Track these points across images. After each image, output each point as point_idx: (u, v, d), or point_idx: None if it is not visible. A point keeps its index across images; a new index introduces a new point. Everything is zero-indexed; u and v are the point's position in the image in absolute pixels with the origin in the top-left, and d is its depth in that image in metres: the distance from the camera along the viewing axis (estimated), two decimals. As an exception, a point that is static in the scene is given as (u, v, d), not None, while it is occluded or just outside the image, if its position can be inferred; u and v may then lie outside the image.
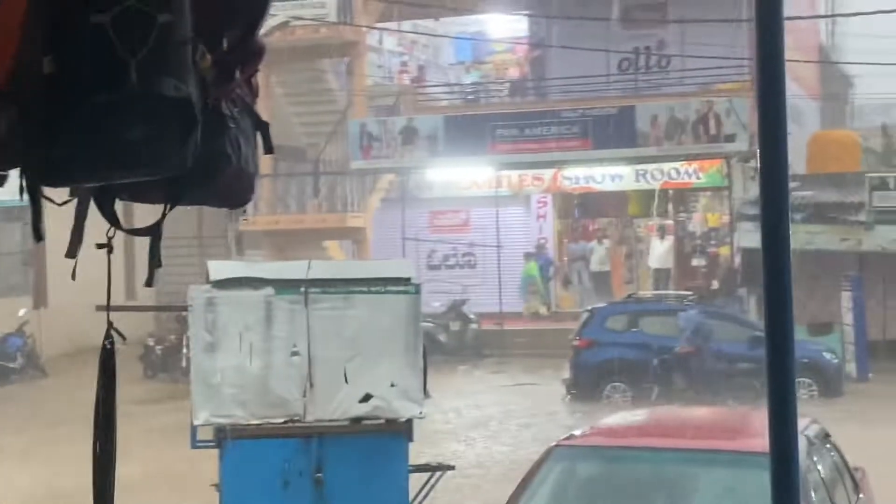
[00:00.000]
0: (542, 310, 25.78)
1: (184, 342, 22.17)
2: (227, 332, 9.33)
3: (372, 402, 9.46)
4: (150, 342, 22.50)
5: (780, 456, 2.69)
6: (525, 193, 27.51)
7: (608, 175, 26.54)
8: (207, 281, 9.53)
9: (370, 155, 24.81)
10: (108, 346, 3.02)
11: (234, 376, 9.28)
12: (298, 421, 9.37)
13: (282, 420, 9.37)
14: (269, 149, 3.07)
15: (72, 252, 3.07)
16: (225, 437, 9.22)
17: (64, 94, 2.55)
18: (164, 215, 2.97)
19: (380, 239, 25.98)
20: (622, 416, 7.91)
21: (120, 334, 3.16)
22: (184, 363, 21.75)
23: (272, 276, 9.61)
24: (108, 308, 3.22)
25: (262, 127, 3.04)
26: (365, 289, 9.55)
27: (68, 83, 2.56)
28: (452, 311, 24.68)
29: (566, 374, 19.32)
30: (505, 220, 25.51)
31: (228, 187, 2.96)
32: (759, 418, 7.56)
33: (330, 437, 9.32)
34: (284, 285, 9.46)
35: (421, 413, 9.59)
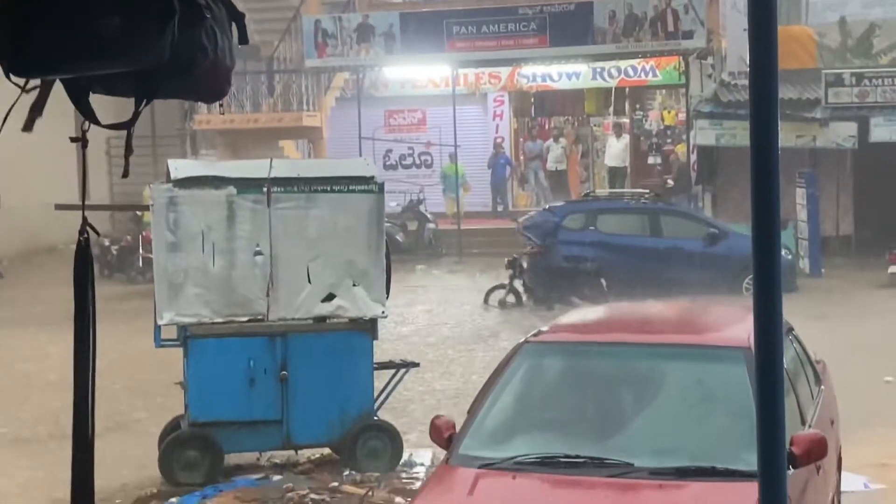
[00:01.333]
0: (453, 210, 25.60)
1: (139, 242, 22.04)
2: (189, 231, 9.28)
3: (335, 301, 9.48)
4: (106, 242, 22.32)
5: (766, 349, 2.72)
6: (482, 92, 27.35)
7: (565, 73, 26.41)
8: (168, 180, 9.42)
9: (325, 53, 24.46)
10: (84, 241, 2.99)
11: (197, 276, 9.25)
12: (262, 320, 9.38)
13: (246, 319, 9.38)
14: (244, 40, 3.00)
15: (28, 127, 2.96)
16: (189, 336, 9.23)
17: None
18: (139, 108, 2.91)
19: (335, 138, 25.78)
20: (587, 312, 7.99)
21: (94, 230, 3.12)
22: (139, 263, 21.65)
23: (234, 175, 9.53)
24: (83, 205, 3.16)
25: (238, 18, 2.96)
26: (327, 188, 9.50)
27: (44, -27, 2.48)
28: (409, 210, 24.66)
29: (524, 272, 19.41)
30: (462, 119, 25.36)
31: (205, 80, 2.90)
32: (721, 312, 7.66)
33: (294, 335, 9.36)
34: (246, 184, 9.39)
35: (384, 312, 9.63)
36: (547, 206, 20.73)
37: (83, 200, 3.21)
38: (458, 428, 5.99)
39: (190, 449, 9.13)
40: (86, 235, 2.95)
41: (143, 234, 21.21)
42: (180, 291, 9.24)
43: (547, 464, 5.52)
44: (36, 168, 23.43)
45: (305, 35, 24.51)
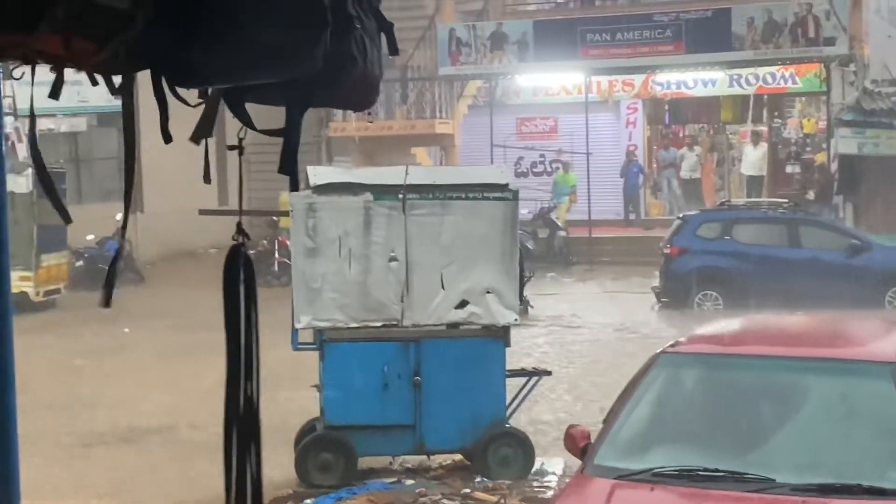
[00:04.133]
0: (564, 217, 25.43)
1: (275, 247, 22.49)
2: (326, 237, 9.43)
3: (468, 308, 9.52)
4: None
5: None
6: (615, 99, 27.15)
7: (700, 80, 26.03)
8: (306, 186, 9.59)
9: (458, 61, 24.60)
10: (238, 245, 3.05)
11: (334, 281, 9.39)
12: (396, 325, 9.48)
13: (380, 324, 9.49)
14: (393, 50, 3.04)
15: (195, 140, 3.05)
16: (325, 340, 9.38)
17: (198, -5, 2.54)
18: (296, 118, 2.97)
19: (467, 146, 25.90)
20: (725, 323, 7.85)
21: (245, 235, 3.20)
22: (275, 267, 22.08)
23: (370, 181, 9.66)
24: (240, 211, 3.25)
25: (387, 28, 3.00)
26: (462, 195, 9.56)
27: (204, -15, 2.55)
28: (540, 218, 24.62)
29: (656, 281, 19.23)
30: (594, 127, 25.22)
31: (354, 89, 2.94)
32: (865, 326, 7.45)
33: (427, 341, 9.43)
34: (383, 191, 9.50)
35: (516, 319, 9.63)
36: (681, 215, 20.45)
37: (241, 206, 3.30)
38: (593, 438, 5.95)
39: (325, 451, 9.28)
40: (241, 239, 3.02)
41: (279, 238, 21.65)
42: (317, 296, 9.39)
43: (685, 476, 5.43)
44: (176, 175, 24.08)
45: (440, 43, 24.70)
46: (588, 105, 24.79)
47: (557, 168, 27.24)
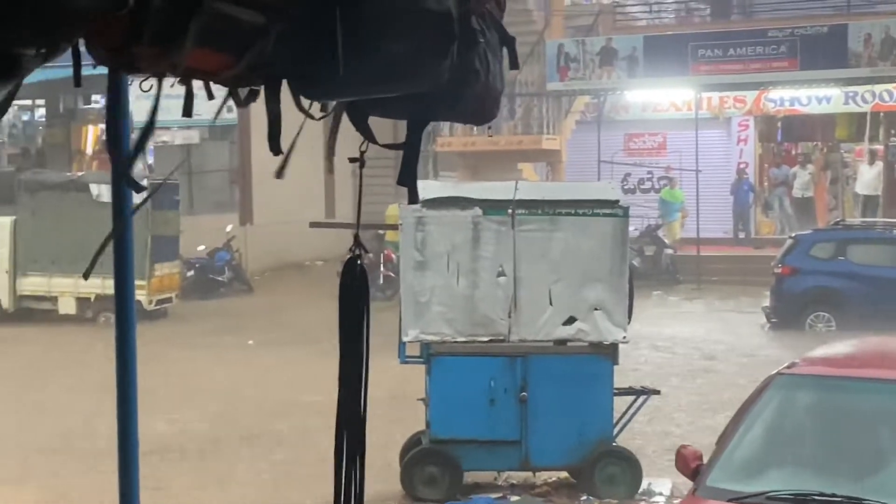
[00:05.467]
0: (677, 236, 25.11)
1: (380, 260, 22.66)
2: (435, 251, 9.48)
3: (576, 324, 9.47)
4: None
5: None
6: (725, 116, 26.76)
7: (815, 97, 25.52)
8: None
9: (567, 76, 24.53)
10: (355, 257, 3.08)
11: (441, 295, 9.43)
12: (503, 340, 9.47)
13: (487, 339, 9.49)
14: (514, 64, 3.03)
15: (329, 167, 3.12)
16: (432, 353, 9.42)
17: (330, 8, 2.57)
18: (417, 131, 2.99)
19: (574, 162, 25.78)
20: (841, 345, 7.66)
21: (364, 248, 3.22)
22: (380, 280, 22.24)
23: (480, 196, 9.68)
24: (357, 224, 3.28)
25: (509, 42, 3.00)
26: (572, 211, 9.52)
27: (334, -2, 2.58)
28: (647, 235, 24.36)
29: (766, 301, 18.88)
30: (704, 144, 24.87)
31: (476, 103, 2.95)
32: None
33: (535, 357, 9.41)
34: (492, 206, 9.52)
35: (625, 337, 9.54)
36: (793, 235, 20.05)
37: (357, 219, 3.33)
38: (705, 459, 5.86)
39: (431, 465, 9.31)
40: (358, 252, 3.05)
41: (385, 252, 21.79)
42: (425, 309, 9.44)
43: (800, 501, 5.31)
44: (284, 188, 24.48)
45: (548, 59, 24.66)
46: (698, 121, 24.48)
47: (665, 185, 26.96)
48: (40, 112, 29.35)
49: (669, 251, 24.24)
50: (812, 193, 26.74)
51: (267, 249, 25.27)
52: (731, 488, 5.50)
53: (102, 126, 25.89)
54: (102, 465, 9.12)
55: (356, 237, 3.05)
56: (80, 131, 28.13)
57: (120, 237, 3.74)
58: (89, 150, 27.96)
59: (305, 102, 2.87)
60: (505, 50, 2.99)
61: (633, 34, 25.32)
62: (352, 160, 3.17)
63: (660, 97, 26.39)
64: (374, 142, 3.07)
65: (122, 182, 3.72)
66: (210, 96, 2.92)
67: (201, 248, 23.35)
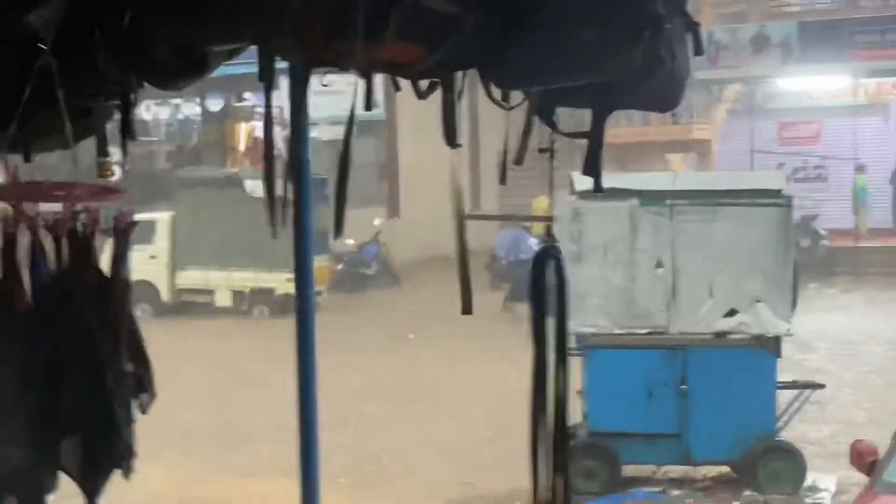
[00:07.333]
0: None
1: (528, 252, 22.60)
2: (591, 243, 9.41)
3: (737, 317, 9.29)
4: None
5: None
6: (884, 103, 25.86)
7: (979, 81, 24.48)
8: (571, 192, 9.59)
9: (717, 64, 24.02)
10: (550, 245, 3.08)
11: (598, 287, 9.35)
12: (662, 333, 9.35)
13: (645, 331, 9.38)
14: (699, 50, 2.97)
15: (519, 159, 3.11)
16: (589, 346, 9.35)
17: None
18: (602, 121, 2.96)
19: (725, 151, 25.28)
20: None
21: (554, 239, 3.21)
22: (528, 273, 22.16)
23: (637, 186, 9.56)
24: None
25: (693, 28, 2.94)
26: (733, 201, 9.33)
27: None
28: (802, 226, 23.69)
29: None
30: (861, 132, 24.10)
31: (660, 90, 2.90)
32: None
33: (694, 350, 9.25)
34: (650, 196, 9.39)
35: (789, 330, 9.31)
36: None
37: (550, 211, 3.31)
38: (881, 454, 5.68)
39: (588, 458, 9.24)
40: (552, 243, 3.04)
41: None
42: (582, 301, 9.36)
43: None
44: (430, 181, 24.65)
45: (697, 47, 24.21)
46: (855, 108, 23.72)
47: (819, 174, 26.20)
48: (196, 110, 30.16)
49: (825, 243, 23.57)
50: (977, 182, 25.63)
51: (414, 243, 25.48)
52: (912, 485, 5.32)
53: (254, 123, 26.50)
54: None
55: (548, 227, 3.04)
56: (233, 129, 28.84)
57: (300, 230, 3.81)
58: (242, 147, 28.65)
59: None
60: (689, 35, 2.94)
61: (788, 20, 24.66)
62: (541, 150, 3.17)
63: (815, 84, 25.65)
64: (559, 132, 3.06)
65: (303, 177, 3.79)
66: (396, 88, 2.95)
67: (350, 241, 23.68)
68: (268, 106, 2.50)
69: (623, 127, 25.00)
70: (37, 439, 2.74)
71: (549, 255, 2.98)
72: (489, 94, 2.83)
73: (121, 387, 2.83)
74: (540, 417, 2.91)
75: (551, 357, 2.93)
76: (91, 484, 2.90)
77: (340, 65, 2.55)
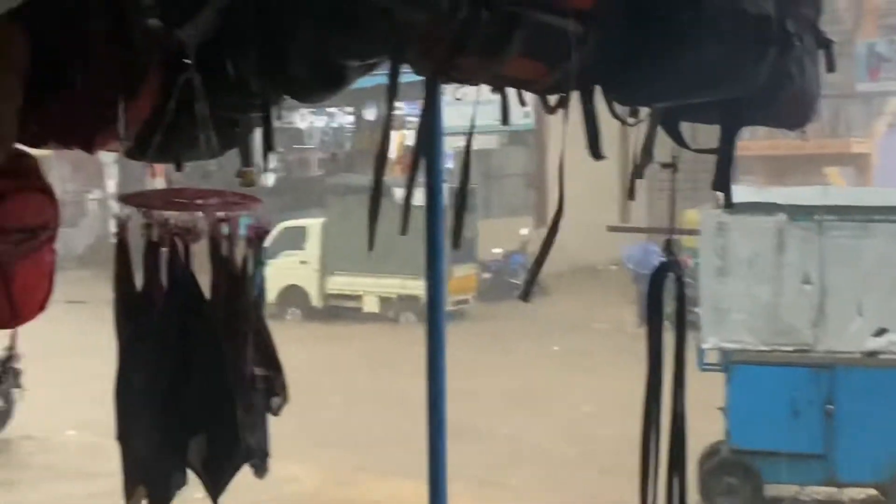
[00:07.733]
0: None
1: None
2: (737, 257, 9.28)
3: (887, 336, 9.04)
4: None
5: None
6: None
7: None
8: (718, 205, 9.46)
9: (878, 77, 23.34)
10: (671, 262, 3.07)
11: (743, 302, 9.21)
12: (808, 350, 9.15)
13: (790, 348, 9.19)
14: (831, 67, 2.94)
15: (638, 173, 3.13)
16: (732, 362, 9.21)
17: (645, 14, 2.58)
18: (731, 136, 2.95)
19: (886, 166, 24.46)
20: None
21: (675, 254, 3.21)
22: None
23: (784, 201, 9.39)
24: (670, 230, 3.27)
25: (826, 45, 2.91)
26: (885, 217, 9.08)
27: (649, 3, 2.59)
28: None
29: None
30: None
31: (789, 108, 2.88)
32: None
33: (841, 368, 9.03)
34: (798, 211, 9.21)
35: (947, 354, 9.00)
36: None
37: (671, 225, 3.31)
38: None
39: (730, 475, 9.11)
40: (674, 257, 3.05)
41: (681, 258, 21.44)
42: (725, 317, 9.25)
43: None
44: (578, 191, 24.42)
45: (857, 59, 23.55)
46: None
47: None
48: (349, 119, 30.73)
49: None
50: None
51: (561, 253, 25.25)
52: None
53: (405, 132, 26.84)
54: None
55: (668, 242, 3.05)
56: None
57: (432, 239, 3.88)
58: (392, 155, 29.08)
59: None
60: (821, 53, 2.91)
61: (955, 31, 23.77)
62: (663, 165, 3.17)
63: (982, 97, 24.65)
64: (687, 147, 3.05)
65: (435, 186, 3.87)
66: (522, 103, 2.99)
67: (497, 250, 23.75)
68: (389, 115, 2.58)
69: (780, 139, 24.46)
70: (165, 437, 2.88)
71: (669, 270, 2.98)
72: (612, 111, 2.85)
73: (245, 390, 2.95)
74: (652, 436, 2.91)
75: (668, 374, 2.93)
76: (214, 483, 3.03)
77: (465, 80, 2.61)
